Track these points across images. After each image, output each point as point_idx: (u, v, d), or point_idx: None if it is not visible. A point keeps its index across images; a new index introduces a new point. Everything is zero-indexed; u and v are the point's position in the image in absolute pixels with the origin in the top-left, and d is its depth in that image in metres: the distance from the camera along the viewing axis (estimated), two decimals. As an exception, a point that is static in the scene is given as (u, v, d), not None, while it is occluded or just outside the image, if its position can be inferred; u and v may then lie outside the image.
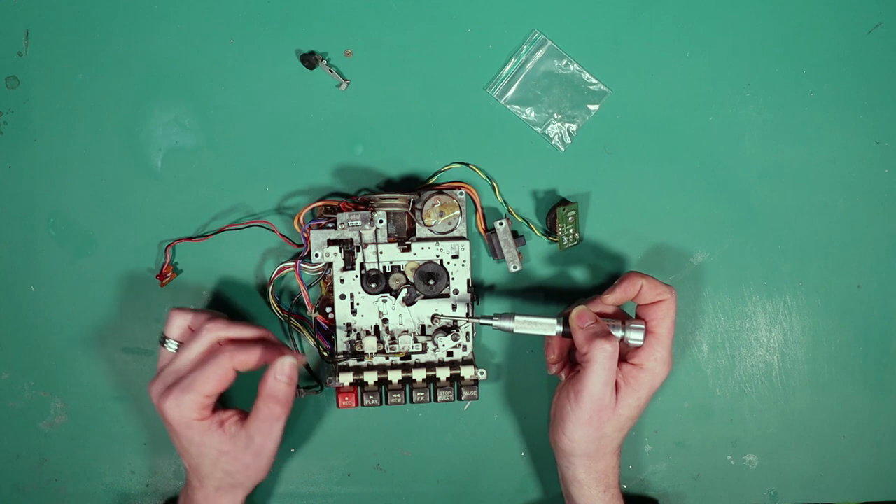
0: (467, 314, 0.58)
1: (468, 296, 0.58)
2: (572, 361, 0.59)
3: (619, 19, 0.61)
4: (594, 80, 0.61)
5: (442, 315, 0.58)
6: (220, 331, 0.53)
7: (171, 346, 0.54)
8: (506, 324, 0.55)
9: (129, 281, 0.60)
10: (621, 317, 0.57)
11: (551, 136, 0.61)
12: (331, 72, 0.60)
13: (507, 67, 0.61)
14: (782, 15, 0.62)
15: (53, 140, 0.59)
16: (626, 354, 0.56)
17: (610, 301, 0.56)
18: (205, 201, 0.60)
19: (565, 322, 0.55)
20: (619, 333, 0.55)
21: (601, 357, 0.52)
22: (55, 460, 0.61)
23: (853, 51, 0.63)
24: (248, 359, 0.52)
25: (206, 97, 0.60)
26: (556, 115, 0.61)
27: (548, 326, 0.55)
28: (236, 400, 0.61)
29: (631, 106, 0.62)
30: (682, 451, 0.64)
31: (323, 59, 0.59)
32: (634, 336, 0.55)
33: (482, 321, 0.56)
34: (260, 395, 0.52)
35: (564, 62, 0.61)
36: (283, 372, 0.52)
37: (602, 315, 0.56)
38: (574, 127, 0.61)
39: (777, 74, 0.62)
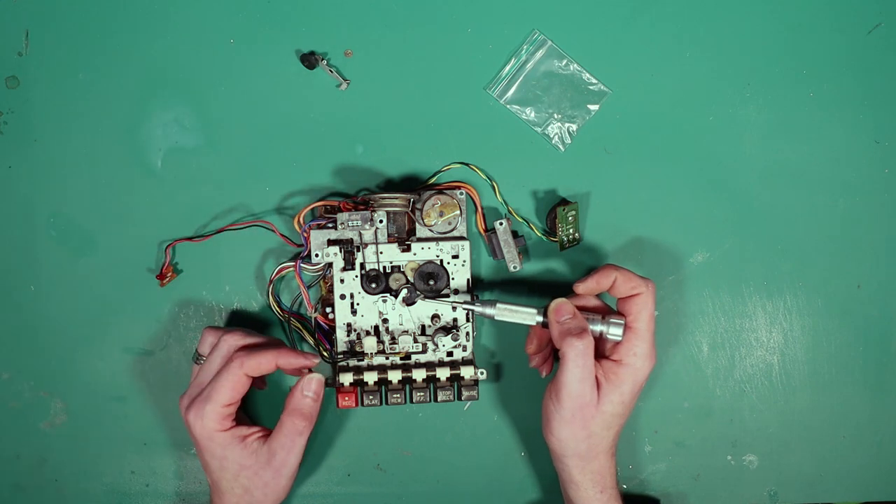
0: (455, 301, 0.58)
1: (468, 296, 0.58)
2: (557, 358, 0.59)
3: (619, 19, 0.61)
4: (594, 80, 0.61)
5: (427, 299, 0.57)
6: (236, 341, 0.55)
7: (203, 362, 0.56)
8: (488, 310, 0.55)
9: (129, 281, 0.60)
10: (603, 311, 0.57)
11: (551, 136, 0.61)
12: (331, 72, 0.60)
13: (507, 67, 0.61)
14: (782, 15, 0.62)
15: (53, 140, 0.59)
16: (607, 350, 0.56)
17: (581, 290, 0.55)
18: (205, 201, 0.60)
19: (546, 313, 0.55)
20: (597, 328, 0.55)
21: (572, 354, 0.52)
22: (55, 460, 0.61)
23: (853, 51, 0.63)
24: (259, 363, 0.53)
25: (206, 97, 0.60)
26: (556, 115, 0.61)
27: (528, 316, 0.55)
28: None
29: (631, 106, 0.62)
30: (682, 451, 0.64)
31: (323, 59, 0.59)
32: (613, 331, 0.54)
33: (464, 305, 0.56)
34: (285, 409, 0.54)
35: (564, 62, 0.61)
36: (311, 388, 0.54)
37: (584, 308, 0.56)
38: (574, 127, 0.61)
39: (777, 74, 0.62)
